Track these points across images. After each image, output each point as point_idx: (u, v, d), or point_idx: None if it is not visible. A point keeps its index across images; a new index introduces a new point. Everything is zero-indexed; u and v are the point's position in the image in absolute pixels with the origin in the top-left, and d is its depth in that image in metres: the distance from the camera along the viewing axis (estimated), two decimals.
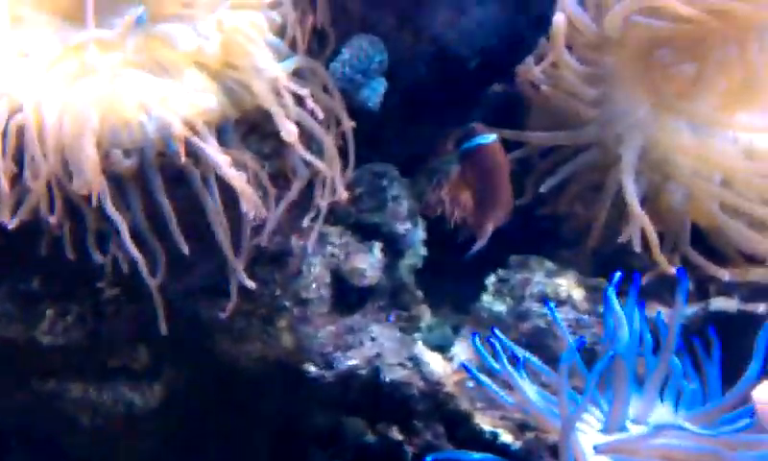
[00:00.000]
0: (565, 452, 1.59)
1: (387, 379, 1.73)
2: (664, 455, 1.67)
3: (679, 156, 2.05)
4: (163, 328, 1.67)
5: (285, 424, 1.92)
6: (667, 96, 2.09)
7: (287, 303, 1.81)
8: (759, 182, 2.00)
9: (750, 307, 1.93)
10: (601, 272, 2.09)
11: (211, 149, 1.59)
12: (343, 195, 1.77)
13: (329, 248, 1.86)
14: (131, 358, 1.84)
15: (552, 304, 1.84)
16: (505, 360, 1.70)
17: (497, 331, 1.78)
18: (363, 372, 1.75)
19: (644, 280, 1.98)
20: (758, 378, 1.69)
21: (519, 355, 1.71)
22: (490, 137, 1.88)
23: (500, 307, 2.06)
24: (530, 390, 1.70)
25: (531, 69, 2.04)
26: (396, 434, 1.75)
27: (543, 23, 1.97)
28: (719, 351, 1.81)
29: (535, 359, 1.77)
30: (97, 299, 1.74)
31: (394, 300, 1.97)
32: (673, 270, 1.95)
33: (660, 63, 2.11)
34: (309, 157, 1.70)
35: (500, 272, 2.12)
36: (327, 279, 1.84)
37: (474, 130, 1.88)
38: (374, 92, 1.85)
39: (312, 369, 1.79)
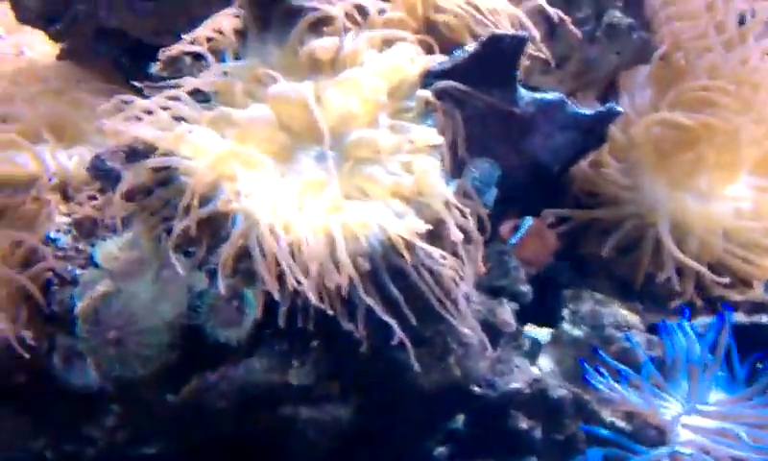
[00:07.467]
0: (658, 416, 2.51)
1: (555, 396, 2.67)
2: None
3: (690, 218, 3.02)
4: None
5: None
6: (677, 178, 3.06)
7: (454, 346, 2.66)
8: (748, 235, 3.00)
9: (755, 318, 2.91)
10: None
11: (424, 249, 2.43)
12: (481, 269, 2.65)
13: (475, 306, 2.72)
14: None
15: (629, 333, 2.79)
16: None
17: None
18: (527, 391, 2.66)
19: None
20: None
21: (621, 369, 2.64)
22: (527, 222, 2.91)
23: (578, 333, 2.98)
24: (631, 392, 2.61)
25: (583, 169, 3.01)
26: None
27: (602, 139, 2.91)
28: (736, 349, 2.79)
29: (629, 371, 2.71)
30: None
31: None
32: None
33: (670, 154, 3.09)
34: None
35: (570, 305, 3.04)
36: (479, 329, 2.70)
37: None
38: (492, 196, 2.72)
39: (477, 389, 2.64)
